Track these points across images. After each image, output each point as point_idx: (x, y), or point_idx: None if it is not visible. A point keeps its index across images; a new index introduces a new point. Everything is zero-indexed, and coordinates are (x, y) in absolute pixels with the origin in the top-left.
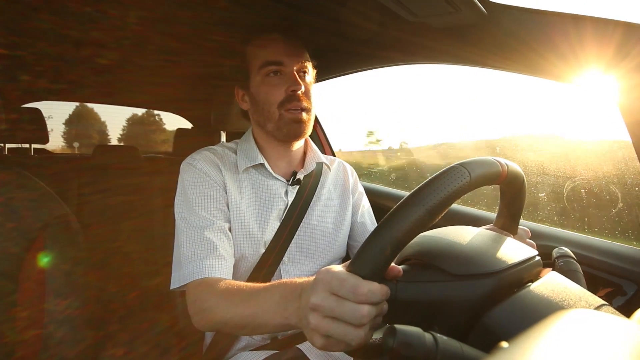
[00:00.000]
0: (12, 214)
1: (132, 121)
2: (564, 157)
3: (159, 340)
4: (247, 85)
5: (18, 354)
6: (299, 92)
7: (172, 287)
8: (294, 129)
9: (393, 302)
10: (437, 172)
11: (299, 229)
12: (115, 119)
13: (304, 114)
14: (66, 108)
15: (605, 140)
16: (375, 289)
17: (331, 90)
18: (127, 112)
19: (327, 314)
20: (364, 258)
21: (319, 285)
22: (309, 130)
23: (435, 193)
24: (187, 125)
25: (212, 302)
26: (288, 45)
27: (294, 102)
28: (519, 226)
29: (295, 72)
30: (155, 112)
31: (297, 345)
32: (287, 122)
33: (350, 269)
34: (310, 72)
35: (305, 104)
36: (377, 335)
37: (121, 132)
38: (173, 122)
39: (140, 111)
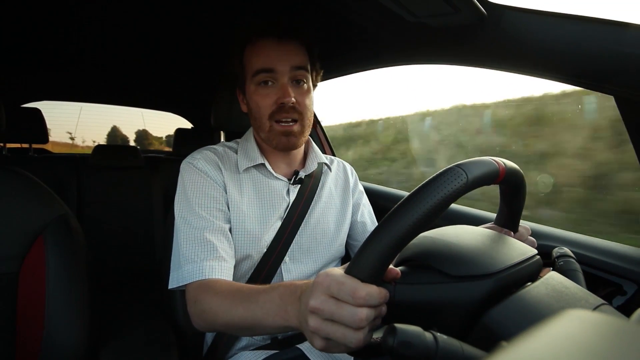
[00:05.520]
0: (12, 214)
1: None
2: None
3: (159, 340)
4: (244, 90)
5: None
6: (289, 103)
7: (170, 286)
8: (284, 142)
9: (392, 304)
10: (434, 174)
11: (300, 228)
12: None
13: (295, 126)
14: (108, 125)
15: None
16: (373, 291)
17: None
18: (130, 127)
19: (326, 316)
20: (362, 261)
21: (317, 288)
22: (302, 140)
23: (432, 195)
24: (187, 125)
25: (212, 304)
26: (282, 50)
27: (283, 114)
28: (520, 224)
29: (286, 81)
30: (142, 127)
31: (298, 345)
32: (276, 134)
33: (348, 272)
34: (309, 77)
35: (296, 115)
36: (377, 335)
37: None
38: (158, 128)
39: (139, 127)
